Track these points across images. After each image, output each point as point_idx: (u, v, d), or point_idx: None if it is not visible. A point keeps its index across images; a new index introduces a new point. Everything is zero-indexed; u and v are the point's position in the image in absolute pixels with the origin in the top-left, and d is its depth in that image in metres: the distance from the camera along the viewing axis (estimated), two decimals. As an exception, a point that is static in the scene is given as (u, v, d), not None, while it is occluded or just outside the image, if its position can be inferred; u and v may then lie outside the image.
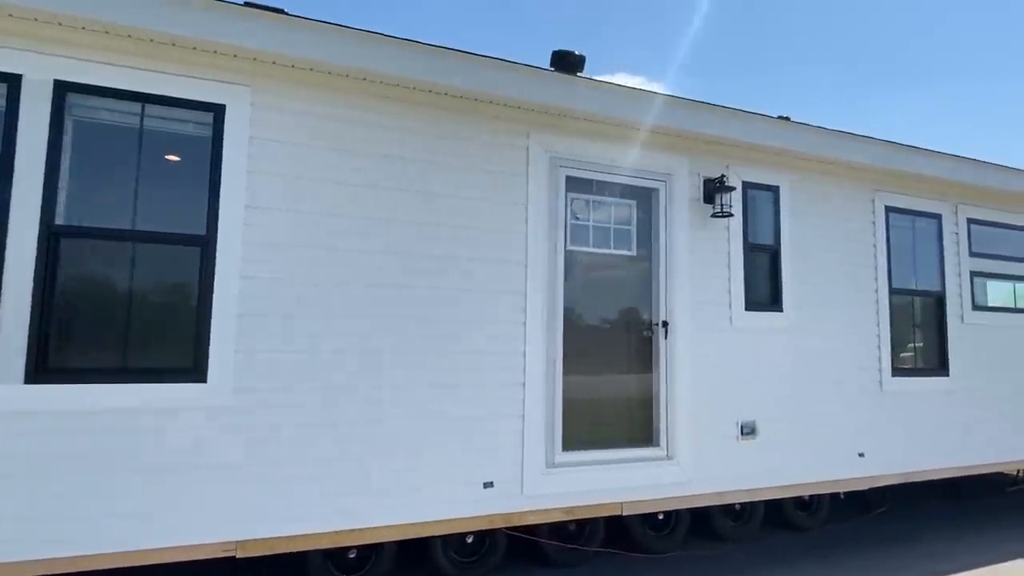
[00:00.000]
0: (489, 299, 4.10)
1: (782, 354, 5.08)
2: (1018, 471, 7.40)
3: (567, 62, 4.88)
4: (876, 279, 5.59)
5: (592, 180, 4.57)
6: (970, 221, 6.20)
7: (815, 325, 5.24)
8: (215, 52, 3.54)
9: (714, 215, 4.80)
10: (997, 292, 6.86)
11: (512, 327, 4.15)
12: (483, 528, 4.04)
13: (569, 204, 4.56)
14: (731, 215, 4.84)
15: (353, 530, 3.54)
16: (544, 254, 4.27)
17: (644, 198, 4.80)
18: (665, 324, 4.65)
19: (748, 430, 4.86)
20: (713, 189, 4.79)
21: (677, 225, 4.75)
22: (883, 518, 5.99)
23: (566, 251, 4.49)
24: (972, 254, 6.18)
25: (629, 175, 4.65)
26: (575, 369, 4.41)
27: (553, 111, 4.35)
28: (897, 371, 5.61)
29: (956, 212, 6.13)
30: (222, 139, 3.53)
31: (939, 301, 5.96)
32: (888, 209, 5.73)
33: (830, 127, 5.25)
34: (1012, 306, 6.58)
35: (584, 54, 4.91)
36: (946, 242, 6.02)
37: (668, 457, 4.56)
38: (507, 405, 4.09)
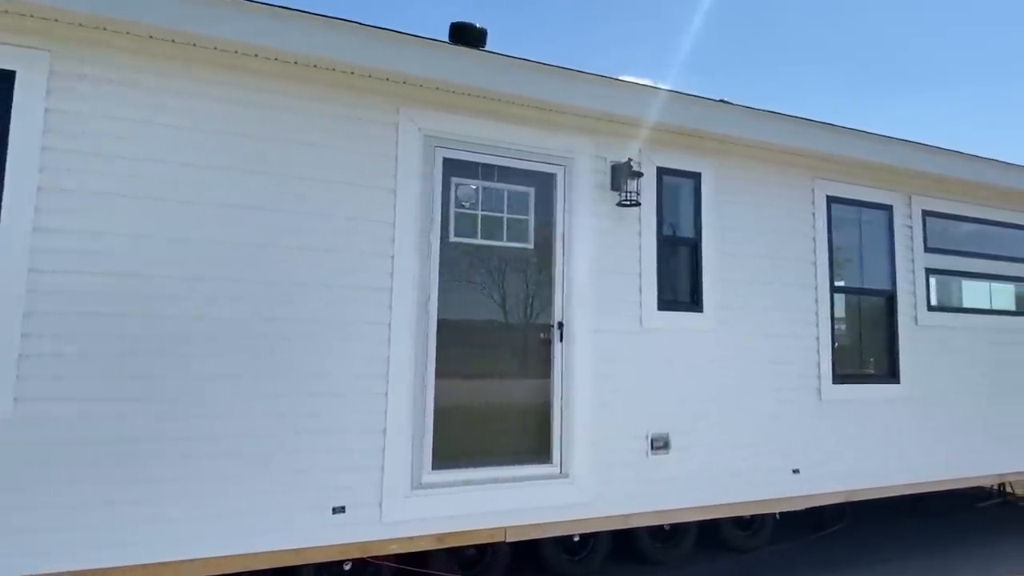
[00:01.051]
0: (346, 296, 3.60)
1: (703, 359, 4.56)
2: (995, 485, 6.88)
3: (468, 35, 4.40)
4: (816, 276, 5.06)
5: (479, 164, 4.07)
6: (926, 213, 5.66)
7: (742, 327, 4.72)
8: (5, 11, 3.06)
9: (620, 204, 4.29)
10: (975, 293, 6.36)
11: (374, 328, 3.64)
12: (337, 558, 3.54)
13: (454, 190, 4.06)
14: (638, 204, 4.33)
15: (137, 566, 3.03)
16: (415, 246, 3.77)
17: (545, 185, 4.29)
18: (561, 325, 4.14)
19: (660, 444, 4.34)
20: (619, 175, 4.28)
21: (578, 214, 4.24)
22: (835, 537, 5.47)
23: (449, 243, 4.00)
24: (928, 249, 5.64)
25: (522, 158, 4.15)
26: (456, 376, 3.91)
27: (429, 84, 3.85)
28: (840, 378, 5.07)
29: (910, 203, 5.60)
30: (9, 110, 3.05)
31: (889, 301, 5.42)
32: (830, 199, 5.20)
33: (762, 107, 4.74)
34: (977, 307, 6.04)
35: (486, 27, 4.46)
36: (898, 236, 5.48)
37: (562, 475, 4.04)
38: (365, 418, 3.58)
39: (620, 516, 4.18)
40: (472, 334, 4.05)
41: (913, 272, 5.53)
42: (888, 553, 5.12)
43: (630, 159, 4.32)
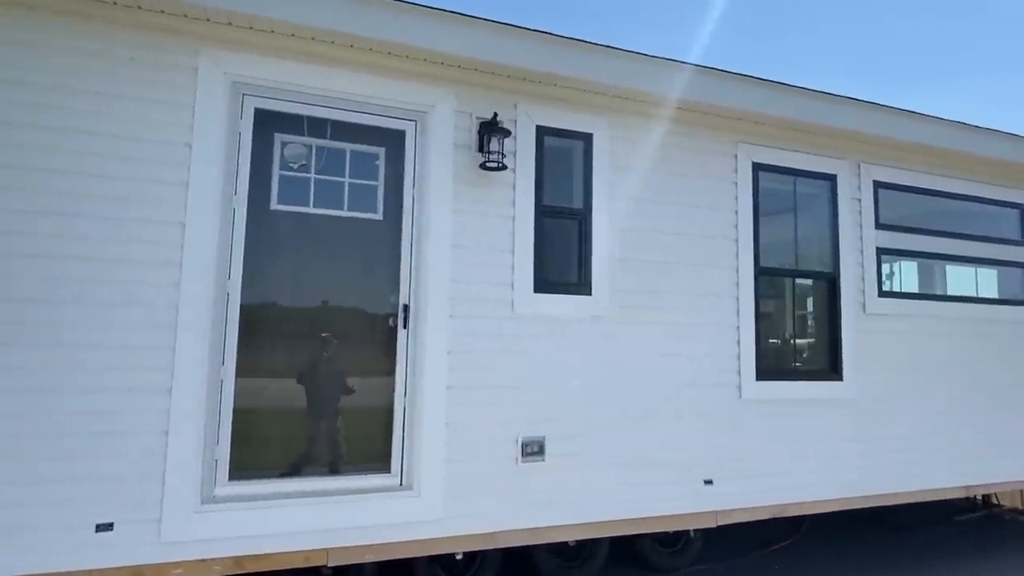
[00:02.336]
0: (119, 274, 3.00)
1: (591, 350, 3.88)
2: (978, 496, 6.10)
3: None
4: (737, 256, 4.35)
5: (304, 117, 3.44)
6: (878, 185, 4.90)
7: (641, 313, 4.03)
8: None
9: (484, 166, 3.63)
10: (960, 279, 5.62)
11: (155, 312, 3.03)
12: (106, 585, 2.94)
13: (278, 149, 3.45)
14: (504, 167, 3.67)
15: None
16: (214, 214, 3.15)
17: (398, 145, 3.66)
18: (407, 309, 3.50)
19: (533, 450, 3.67)
20: (484, 133, 3.62)
21: (434, 178, 3.59)
22: (779, 555, 4.76)
23: (270, 211, 3.38)
24: (881, 226, 4.88)
25: (361, 111, 3.51)
26: (268, 371, 3.30)
27: (239, 21, 3.23)
28: (765, 373, 4.35)
29: (859, 173, 4.85)
30: None
31: (831, 285, 4.68)
32: (757, 167, 4.48)
33: (663, 55, 4.03)
34: (944, 293, 5.28)
35: None
36: (843, 210, 4.74)
37: (404, 487, 3.40)
38: (141, 418, 2.97)
39: (482, 535, 3.53)
40: (293, 321, 3.43)
41: (862, 252, 4.78)
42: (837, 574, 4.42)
43: (496, 114, 3.65)
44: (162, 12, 3.14)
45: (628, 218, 4.05)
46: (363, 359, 3.50)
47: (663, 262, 4.12)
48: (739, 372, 4.25)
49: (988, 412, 5.05)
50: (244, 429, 3.17)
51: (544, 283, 3.80)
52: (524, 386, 3.70)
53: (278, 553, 3.14)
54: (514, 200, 3.77)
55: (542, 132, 3.88)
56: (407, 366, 3.47)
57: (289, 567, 3.15)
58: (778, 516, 4.34)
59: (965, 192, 5.18)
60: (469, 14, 3.55)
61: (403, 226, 3.57)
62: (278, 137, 3.43)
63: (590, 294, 3.89)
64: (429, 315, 3.51)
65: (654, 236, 4.12)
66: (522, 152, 3.80)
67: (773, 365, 4.46)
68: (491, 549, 3.65)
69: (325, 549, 3.22)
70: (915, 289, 5.55)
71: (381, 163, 3.64)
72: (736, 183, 4.39)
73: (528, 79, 3.84)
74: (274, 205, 3.41)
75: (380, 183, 3.63)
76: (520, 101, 3.84)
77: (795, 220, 4.67)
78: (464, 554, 3.67)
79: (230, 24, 3.25)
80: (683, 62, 4.04)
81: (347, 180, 3.57)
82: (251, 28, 3.28)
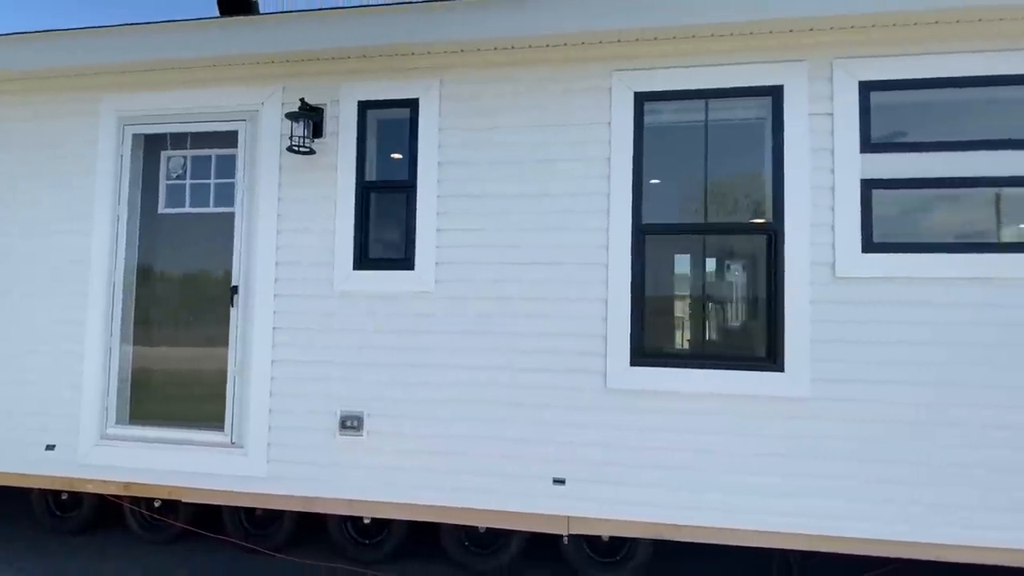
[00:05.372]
0: (60, 268, 4.19)
1: (414, 327, 3.71)
2: None
3: (235, 4, 4.55)
4: (608, 214, 3.52)
5: (167, 134, 4.16)
6: (868, 87, 3.29)
7: (471, 288, 3.65)
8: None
9: (289, 150, 3.80)
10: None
11: (70, 298, 4.13)
12: (51, 487, 4.15)
13: (165, 163, 4.27)
14: (310, 151, 3.77)
15: None
16: (109, 222, 4.12)
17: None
18: (235, 290, 3.94)
19: (352, 424, 3.74)
20: (293, 119, 3.80)
21: (262, 167, 3.94)
22: None
23: (158, 215, 4.24)
24: (872, 147, 3.28)
25: (206, 120, 4.06)
26: (152, 340, 4.16)
27: (123, 69, 4.11)
28: (647, 358, 3.44)
29: (830, 76, 3.35)
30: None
31: (770, 241, 3.37)
32: (642, 98, 3.52)
33: None
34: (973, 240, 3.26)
35: None
36: (792, 135, 3.35)
37: (235, 445, 3.88)
38: (68, 373, 4.12)
39: (300, 498, 3.79)
40: (168, 302, 4.20)
41: (832, 190, 3.31)
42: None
43: (302, 99, 3.79)
44: (78, 76, 4.22)
45: (457, 183, 3.71)
46: (214, 332, 4.09)
47: (502, 229, 3.64)
48: (605, 356, 3.48)
49: None
50: (131, 385, 4.11)
51: (365, 260, 3.80)
52: (346, 362, 3.79)
53: (151, 484, 3.99)
54: (336, 180, 3.85)
55: (364, 107, 3.84)
56: (237, 341, 3.93)
57: (164, 497, 3.97)
58: (667, 538, 3.43)
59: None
60: (273, 12, 3.78)
61: (235, 215, 4.02)
62: (164, 154, 4.25)
63: (413, 269, 3.71)
64: (256, 295, 3.89)
65: (493, 203, 3.66)
66: (344, 130, 3.85)
67: (663, 348, 3.49)
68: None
69: (182, 487, 3.95)
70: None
71: (238, 162, 4.15)
72: (610, 123, 3.55)
73: (350, 57, 3.84)
74: (161, 209, 4.24)
75: (237, 180, 4.15)
76: (344, 81, 3.88)
77: (719, 159, 3.50)
78: (372, 520, 3.89)
79: (124, 73, 4.15)
80: None
81: (213, 181, 4.20)
82: (129, 72, 4.14)
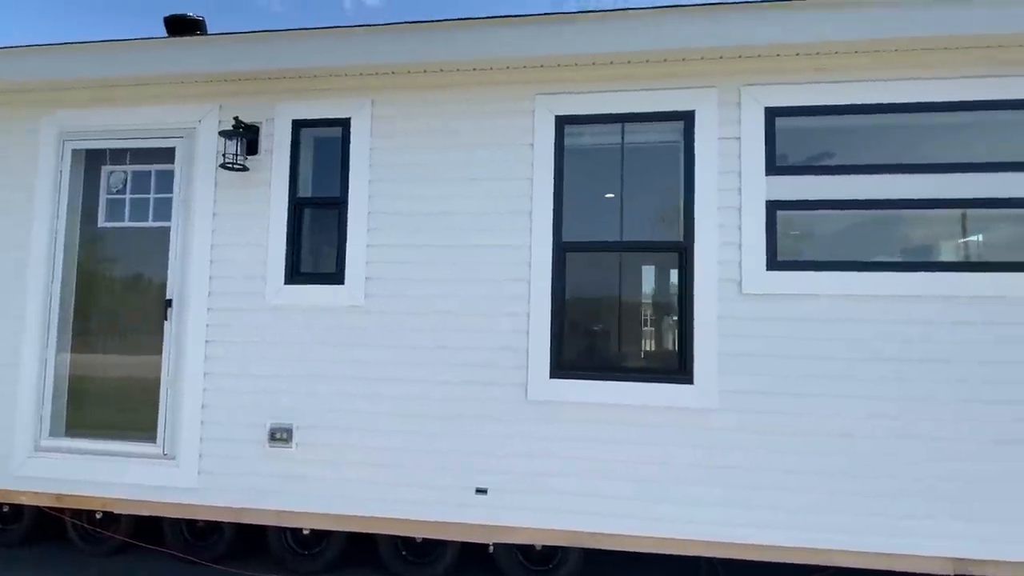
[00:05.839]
0: (-5, 282, 4.23)
1: (344, 341, 3.80)
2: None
3: (183, 25, 4.62)
4: (531, 231, 3.65)
5: (106, 150, 4.23)
6: (774, 113, 3.47)
7: (401, 302, 3.75)
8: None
9: (222, 167, 3.89)
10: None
11: (6, 311, 4.17)
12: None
13: (105, 178, 4.33)
14: (243, 168, 3.87)
15: None
16: (47, 235, 4.17)
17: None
18: (170, 303, 4.00)
19: (281, 436, 3.81)
20: (227, 137, 3.89)
21: (198, 183, 4.02)
22: None
23: (98, 228, 4.29)
24: (777, 170, 3.45)
25: (147, 137, 4.14)
26: (90, 352, 4.20)
27: (73, 85, 4.17)
28: (566, 370, 3.57)
29: (738, 101, 3.52)
30: None
31: (682, 259, 3.52)
32: (563, 121, 3.67)
33: (427, 19, 3.68)
34: (888, 260, 3.44)
35: (202, 16, 4.58)
36: (703, 157, 3.51)
37: (167, 456, 3.93)
38: (3, 385, 4.15)
39: (230, 509, 3.84)
40: (106, 315, 4.25)
41: (739, 210, 3.47)
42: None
43: (236, 118, 3.89)
44: (21, 91, 4.29)
45: (387, 200, 3.82)
46: (149, 344, 4.13)
47: (430, 246, 3.75)
48: (526, 368, 3.59)
49: (960, 440, 3.15)
50: (63, 397, 4.14)
51: (298, 274, 3.89)
52: (277, 374, 3.86)
53: (84, 496, 4.02)
54: (269, 196, 3.94)
55: (299, 125, 3.95)
56: (171, 352, 3.99)
57: (98, 509, 4.00)
58: (585, 546, 3.53)
59: (933, 98, 3.27)
60: (217, 33, 3.89)
61: (171, 230, 4.09)
62: (104, 169, 4.31)
63: (343, 283, 3.81)
64: (191, 308, 3.96)
65: (422, 219, 3.78)
66: (279, 148, 3.95)
67: (582, 361, 3.61)
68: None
69: (115, 499, 3.98)
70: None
71: (176, 178, 4.23)
72: (532, 144, 3.69)
73: (285, 77, 3.95)
74: (101, 223, 4.30)
75: (175, 196, 4.22)
76: (279, 101, 3.98)
77: (634, 179, 3.65)
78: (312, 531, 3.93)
79: (72, 88, 4.21)
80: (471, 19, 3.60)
81: (152, 196, 4.27)
82: (72, 89, 4.21)
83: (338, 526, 3.76)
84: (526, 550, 3.77)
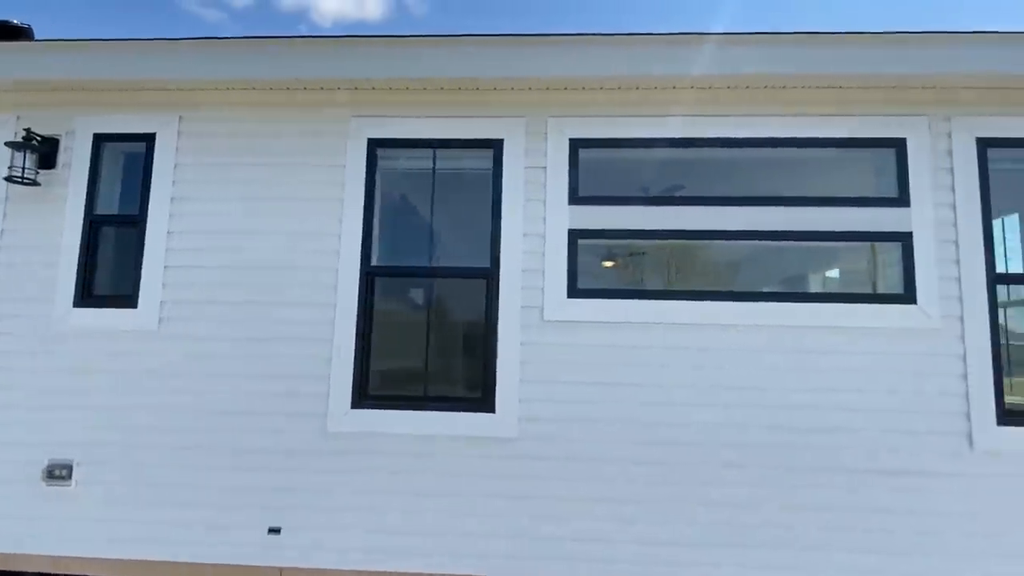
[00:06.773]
0: None
1: (137, 369, 3.54)
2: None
3: (4, 32, 4.30)
4: (339, 255, 3.55)
5: None
6: (578, 144, 3.54)
7: (201, 328, 3.54)
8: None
9: (7, 179, 3.61)
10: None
11: None
12: None
13: None
14: (32, 182, 3.61)
15: None
16: None
17: (-13, 173, 3.88)
18: (-59, 328, 3.65)
19: (60, 474, 3.48)
20: (17, 147, 3.62)
21: (-14, 201, 3.72)
22: None
23: None
24: (578, 200, 3.51)
25: (-69, 147, 3.81)
26: None
27: None
28: (369, 400, 3.44)
29: (545, 131, 3.57)
30: None
31: (488, 285, 3.50)
32: (376, 144, 3.62)
33: (255, 35, 3.56)
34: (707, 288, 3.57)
35: (29, 24, 4.29)
36: (509, 186, 3.53)
37: (-73, 498, 3.53)
38: None
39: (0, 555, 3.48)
40: None
41: (543, 238, 3.49)
42: None
43: (28, 129, 3.64)
44: None
45: (193, 220, 3.63)
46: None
47: (233, 267, 3.58)
48: (327, 398, 3.44)
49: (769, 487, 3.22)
50: None
51: (89, 297, 3.62)
52: (59, 405, 3.55)
53: None
54: (65, 213, 3.68)
55: (101, 139, 3.73)
56: (-58, 382, 3.61)
57: None
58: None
59: (729, 134, 3.43)
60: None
61: (-39, 248, 3.75)
62: None
63: (136, 307, 3.57)
64: (-33, 333, 3.61)
65: (225, 239, 3.61)
66: (77, 162, 3.71)
67: (387, 391, 3.51)
68: None
69: None
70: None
71: None
72: (344, 166, 3.61)
73: (85, 88, 3.74)
74: None
75: (-30, 211, 3.88)
76: (79, 113, 3.76)
77: (447, 205, 3.63)
78: None
79: None
80: (275, 37, 3.49)
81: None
82: None
83: (122, 573, 3.44)
84: (332, 591, 3.56)
